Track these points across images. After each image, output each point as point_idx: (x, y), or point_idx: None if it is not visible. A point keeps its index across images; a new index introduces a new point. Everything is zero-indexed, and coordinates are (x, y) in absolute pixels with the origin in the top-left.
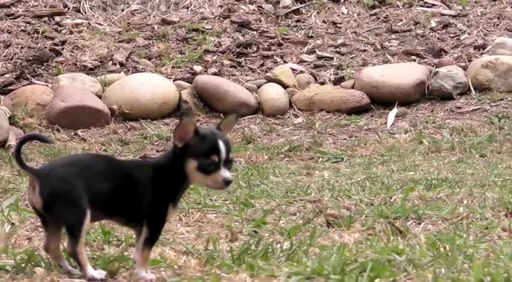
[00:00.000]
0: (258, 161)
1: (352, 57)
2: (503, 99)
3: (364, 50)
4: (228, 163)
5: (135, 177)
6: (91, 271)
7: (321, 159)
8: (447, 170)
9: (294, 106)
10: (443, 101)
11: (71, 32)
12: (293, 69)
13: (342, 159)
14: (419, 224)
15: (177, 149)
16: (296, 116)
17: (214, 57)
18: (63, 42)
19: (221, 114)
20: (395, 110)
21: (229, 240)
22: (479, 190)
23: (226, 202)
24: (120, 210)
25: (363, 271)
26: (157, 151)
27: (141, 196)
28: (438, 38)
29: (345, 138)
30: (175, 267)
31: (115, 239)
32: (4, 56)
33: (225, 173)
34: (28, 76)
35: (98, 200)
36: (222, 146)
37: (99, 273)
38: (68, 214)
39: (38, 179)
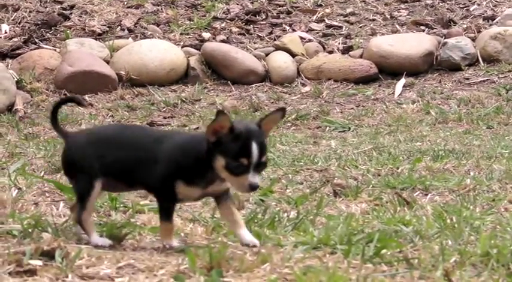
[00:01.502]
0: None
1: (361, 27)
2: (511, 71)
3: (373, 20)
4: (259, 166)
5: (154, 149)
6: (95, 239)
7: (328, 128)
8: (454, 141)
9: (302, 75)
10: (451, 72)
11: None
12: (301, 38)
13: (349, 128)
14: (426, 195)
15: (208, 143)
16: (304, 85)
17: (223, 25)
18: (71, 7)
19: (229, 82)
20: (403, 80)
21: (236, 208)
22: (486, 162)
23: None
24: (140, 181)
25: (370, 241)
26: (164, 117)
27: (153, 168)
28: (447, 9)
29: (352, 108)
30: (182, 234)
31: (122, 205)
32: (12, 20)
33: (253, 177)
34: (36, 40)
35: (116, 169)
36: (254, 148)
37: (103, 241)
38: (79, 181)
39: (64, 142)
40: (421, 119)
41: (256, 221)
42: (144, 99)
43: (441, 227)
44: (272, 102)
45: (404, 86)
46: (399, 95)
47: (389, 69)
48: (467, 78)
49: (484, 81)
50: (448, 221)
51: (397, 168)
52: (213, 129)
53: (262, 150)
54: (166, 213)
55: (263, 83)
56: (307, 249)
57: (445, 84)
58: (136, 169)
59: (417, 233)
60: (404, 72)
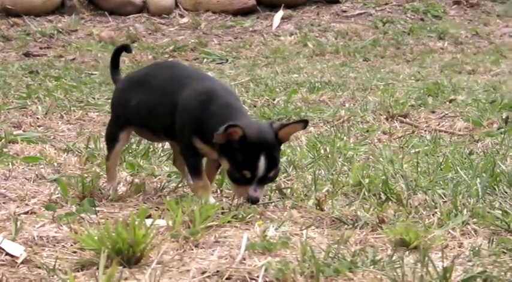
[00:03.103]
0: (142, 60)
1: None
2: (388, 4)
3: None
4: (265, 180)
5: (180, 100)
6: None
7: (205, 60)
8: (331, 73)
9: (180, 6)
10: (329, 5)
11: None
12: None
13: (227, 60)
14: None
15: (216, 145)
16: (182, 16)
17: None
18: None
19: (106, 13)
20: (281, 12)
21: None
22: (362, 93)
23: (109, 101)
24: (161, 128)
25: None
26: (41, 48)
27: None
28: None
29: (230, 40)
30: (55, 164)
31: None
32: None
33: (253, 191)
34: None
35: (140, 115)
36: (262, 163)
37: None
38: (107, 129)
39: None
40: (298, 51)
41: (130, 151)
42: (20, 30)
43: (315, 158)
44: (150, 33)
45: (282, 18)
46: (277, 27)
47: (267, 1)
48: (345, 11)
49: (361, 14)
50: (322, 151)
51: (274, 99)
52: (223, 138)
53: (271, 164)
54: (194, 170)
55: (141, 14)
56: (181, 179)
57: (323, 16)
58: (158, 117)
59: (291, 163)
60: (282, 5)
